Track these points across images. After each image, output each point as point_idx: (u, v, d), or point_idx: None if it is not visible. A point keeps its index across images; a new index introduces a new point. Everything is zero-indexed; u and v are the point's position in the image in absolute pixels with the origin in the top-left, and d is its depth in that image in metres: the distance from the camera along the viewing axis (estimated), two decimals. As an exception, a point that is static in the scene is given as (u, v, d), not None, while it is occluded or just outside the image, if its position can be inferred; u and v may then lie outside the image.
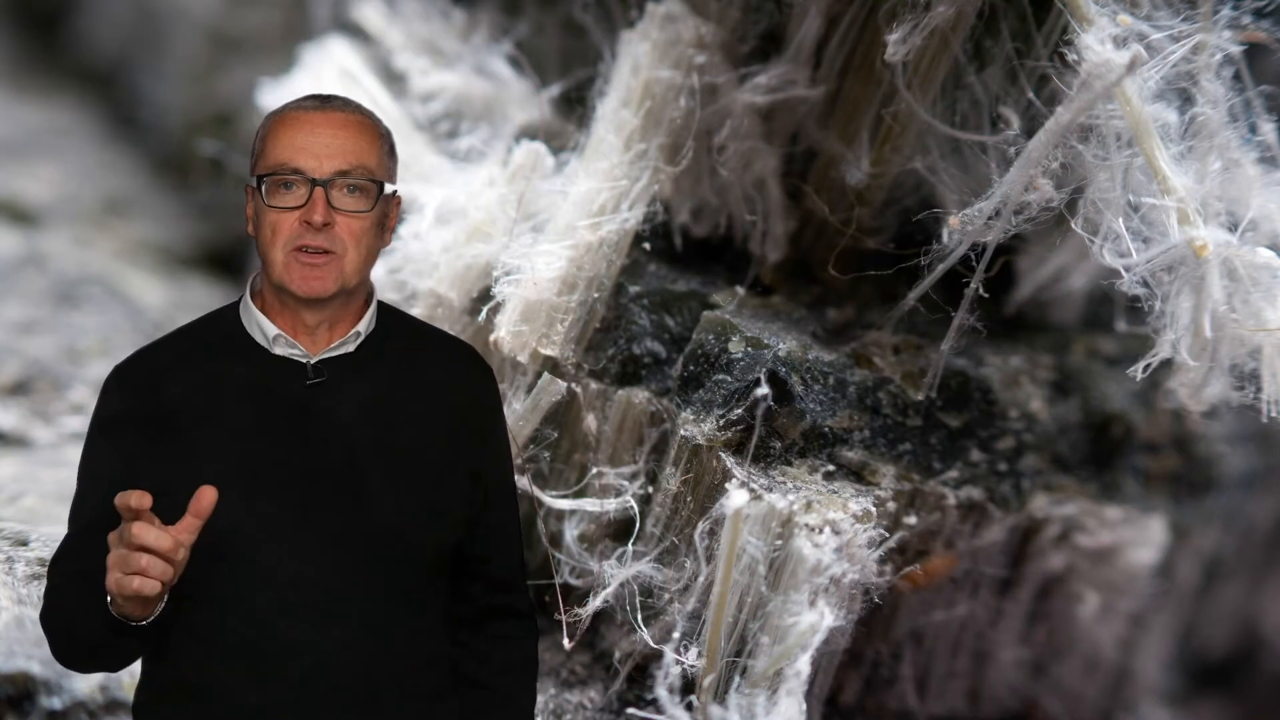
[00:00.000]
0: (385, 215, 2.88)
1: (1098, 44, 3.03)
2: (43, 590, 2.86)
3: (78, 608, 2.76)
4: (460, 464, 2.88)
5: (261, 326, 2.85)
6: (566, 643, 3.30)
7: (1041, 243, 3.63)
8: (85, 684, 3.43)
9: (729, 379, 3.32)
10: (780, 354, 3.36)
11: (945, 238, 3.24)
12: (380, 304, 2.95)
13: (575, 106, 3.62)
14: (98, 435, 2.86)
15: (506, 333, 3.32)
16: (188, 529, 2.61)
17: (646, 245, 3.45)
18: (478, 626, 2.96)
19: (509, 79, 3.74)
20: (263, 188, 2.80)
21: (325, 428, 2.81)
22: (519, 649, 3.00)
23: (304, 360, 2.84)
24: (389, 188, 2.86)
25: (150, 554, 2.58)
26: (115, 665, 2.84)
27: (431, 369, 2.92)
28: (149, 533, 2.58)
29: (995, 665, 3.77)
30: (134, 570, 2.58)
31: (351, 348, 2.87)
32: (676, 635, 3.21)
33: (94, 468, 2.85)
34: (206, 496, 2.61)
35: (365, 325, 2.88)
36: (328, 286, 2.80)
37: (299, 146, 2.80)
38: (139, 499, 2.57)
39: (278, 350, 2.84)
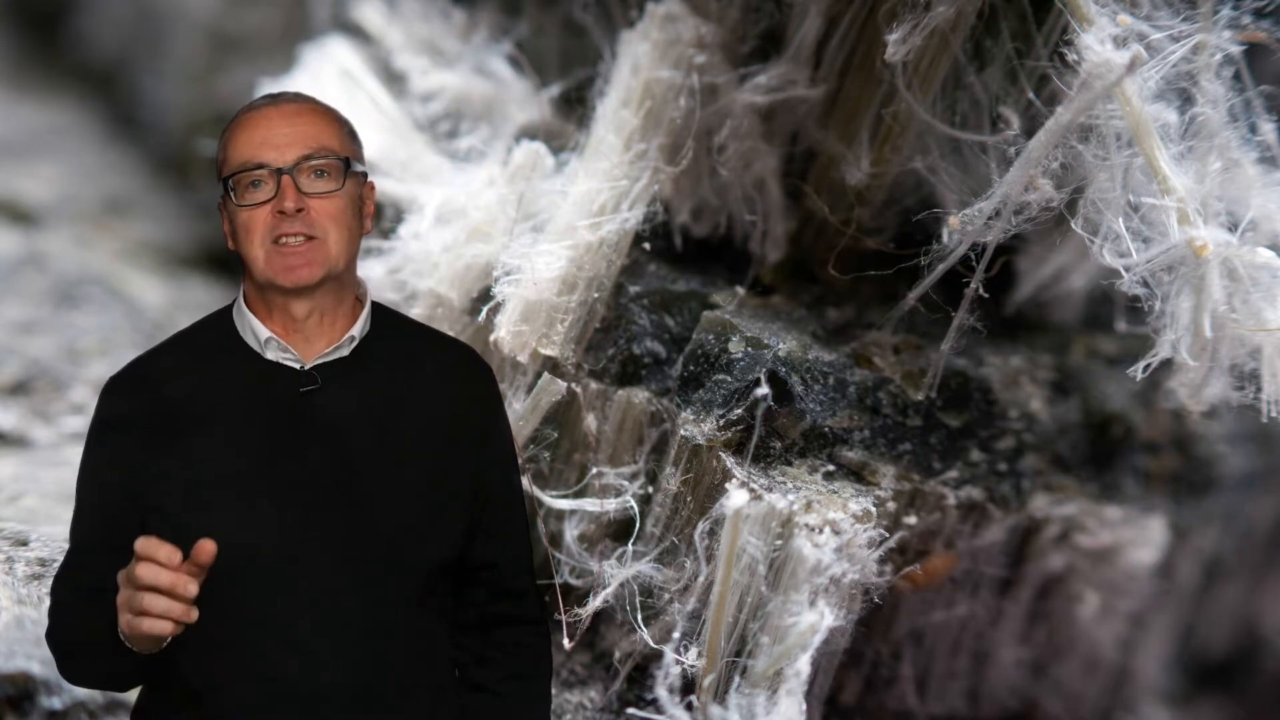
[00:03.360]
0: (360, 198, 2.87)
1: (1098, 44, 3.03)
2: (47, 608, 2.84)
3: (83, 631, 2.76)
4: (461, 466, 2.87)
5: (254, 330, 2.84)
6: (566, 643, 3.30)
7: (1041, 243, 3.63)
8: (85, 684, 3.43)
9: (729, 379, 3.32)
10: (780, 354, 3.36)
11: (945, 238, 3.24)
12: (375, 305, 2.94)
13: (575, 106, 3.61)
14: (96, 444, 2.85)
15: (506, 333, 3.32)
16: (190, 574, 2.58)
17: (646, 245, 3.45)
18: (486, 634, 2.94)
19: (509, 79, 3.74)
20: (232, 191, 2.80)
21: (322, 432, 2.80)
22: (531, 656, 2.98)
23: (297, 365, 2.83)
24: (358, 166, 2.85)
25: (156, 593, 2.56)
26: (122, 687, 2.84)
27: (429, 370, 2.91)
28: (148, 571, 2.56)
29: (995, 665, 3.77)
30: (141, 611, 2.57)
31: (346, 352, 2.85)
32: (676, 635, 3.21)
33: (93, 477, 2.84)
34: (205, 551, 2.57)
35: (359, 329, 2.87)
36: (314, 273, 2.78)
37: (258, 142, 2.80)
38: (148, 547, 2.56)
39: (270, 355, 2.83)
